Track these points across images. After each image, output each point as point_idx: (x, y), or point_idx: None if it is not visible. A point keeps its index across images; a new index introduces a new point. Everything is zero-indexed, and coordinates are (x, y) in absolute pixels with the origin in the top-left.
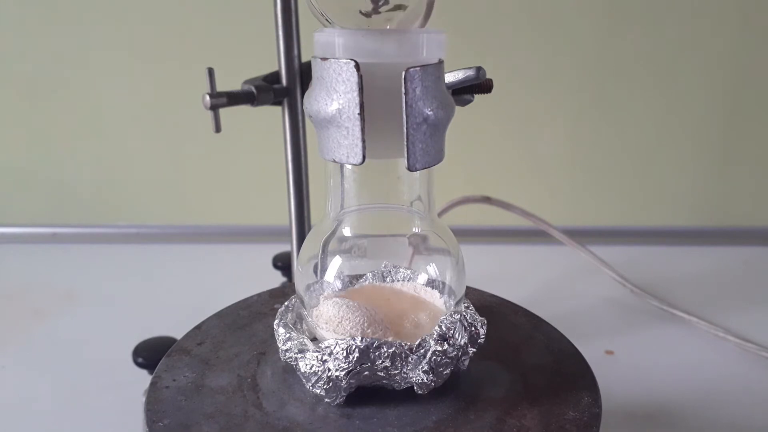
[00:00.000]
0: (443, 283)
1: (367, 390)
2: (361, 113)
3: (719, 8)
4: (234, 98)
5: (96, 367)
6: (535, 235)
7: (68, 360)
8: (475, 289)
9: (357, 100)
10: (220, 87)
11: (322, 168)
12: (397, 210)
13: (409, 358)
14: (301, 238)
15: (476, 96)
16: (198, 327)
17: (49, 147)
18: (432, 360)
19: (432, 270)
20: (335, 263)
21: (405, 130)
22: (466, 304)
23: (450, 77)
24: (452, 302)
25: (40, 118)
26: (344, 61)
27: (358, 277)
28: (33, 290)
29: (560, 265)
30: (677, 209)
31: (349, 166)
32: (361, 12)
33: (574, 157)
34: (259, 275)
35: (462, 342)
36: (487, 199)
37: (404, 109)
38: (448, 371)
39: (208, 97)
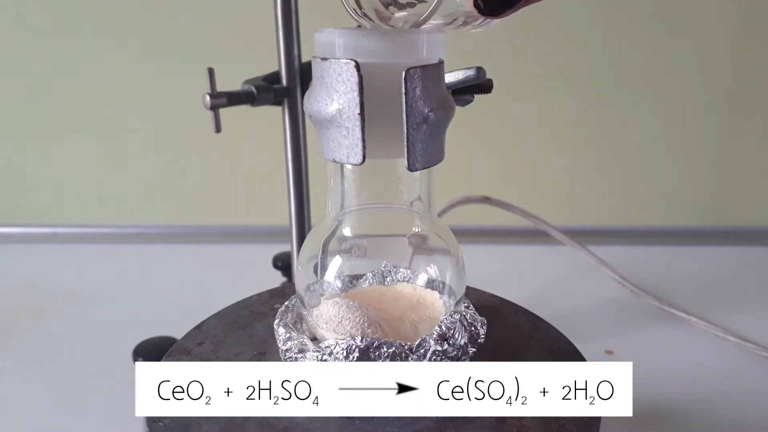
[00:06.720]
0: (443, 283)
1: None
2: (362, 113)
3: (720, 8)
4: (234, 98)
5: (96, 367)
6: (535, 235)
7: (68, 360)
8: (475, 289)
9: (357, 100)
10: (220, 87)
11: (322, 168)
12: (397, 210)
13: (409, 358)
14: (301, 238)
15: (476, 96)
16: (198, 327)
17: (49, 147)
18: (432, 360)
19: (432, 270)
20: (335, 263)
21: (405, 130)
22: (466, 304)
23: (450, 77)
24: (452, 302)
25: (40, 118)
26: (344, 61)
27: (358, 277)
28: (33, 290)
29: (560, 265)
30: (677, 209)
31: (349, 166)
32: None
33: (574, 157)
34: (259, 275)
35: (462, 342)
36: (487, 199)
37: (404, 109)
38: None
39: (208, 97)
